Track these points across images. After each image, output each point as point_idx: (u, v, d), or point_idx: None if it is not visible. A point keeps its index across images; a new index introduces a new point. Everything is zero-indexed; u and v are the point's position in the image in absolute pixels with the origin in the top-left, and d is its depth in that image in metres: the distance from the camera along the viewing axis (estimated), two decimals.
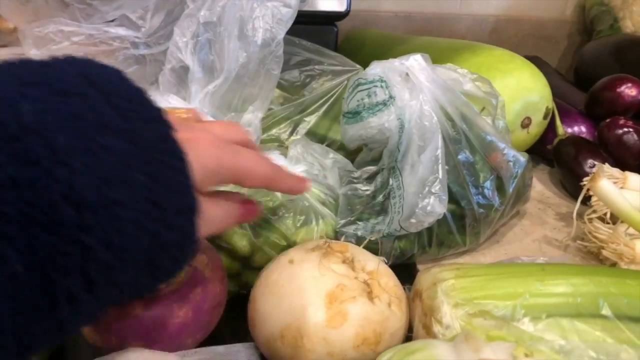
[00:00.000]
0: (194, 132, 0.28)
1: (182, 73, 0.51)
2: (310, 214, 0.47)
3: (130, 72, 0.52)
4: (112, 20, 0.51)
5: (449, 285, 0.35)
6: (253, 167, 0.31)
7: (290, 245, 0.44)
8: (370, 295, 0.36)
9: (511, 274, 0.36)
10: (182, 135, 0.25)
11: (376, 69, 0.48)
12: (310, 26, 0.76)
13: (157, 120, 0.25)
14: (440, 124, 0.47)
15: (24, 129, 0.20)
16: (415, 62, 0.48)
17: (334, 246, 0.38)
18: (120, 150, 0.22)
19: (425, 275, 0.38)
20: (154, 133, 0.24)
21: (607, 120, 0.64)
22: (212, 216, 0.29)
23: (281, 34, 0.51)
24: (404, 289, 0.40)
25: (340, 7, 0.73)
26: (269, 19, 0.51)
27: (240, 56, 0.50)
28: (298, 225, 0.46)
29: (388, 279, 0.38)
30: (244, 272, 0.46)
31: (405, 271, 0.50)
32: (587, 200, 0.54)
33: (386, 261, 0.41)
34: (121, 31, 0.50)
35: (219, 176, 0.29)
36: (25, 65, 0.23)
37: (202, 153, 0.27)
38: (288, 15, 0.51)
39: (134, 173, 0.22)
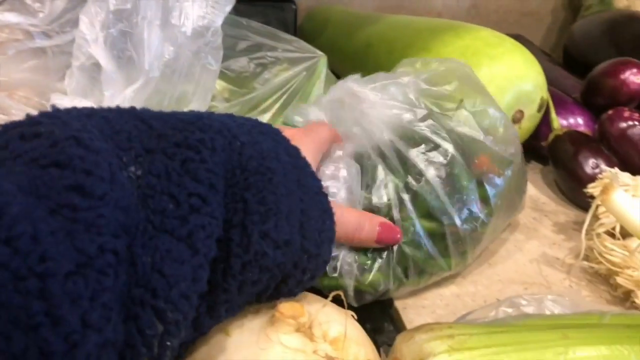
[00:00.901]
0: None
1: (94, 71, 0.40)
2: None
3: (26, 68, 0.41)
4: None
5: None
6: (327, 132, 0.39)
7: None
8: None
9: (523, 346, 0.26)
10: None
11: (294, 115, 0.45)
12: (264, 4, 0.65)
13: (273, 128, 0.32)
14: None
15: (213, 121, 0.28)
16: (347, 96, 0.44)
17: (285, 310, 0.28)
18: (268, 139, 0.30)
19: (408, 344, 0.28)
20: (280, 139, 0.31)
21: (609, 112, 0.55)
22: (344, 219, 0.35)
23: (218, 21, 0.40)
24: (379, 352, 0.31)
25: None
26: (201, 2, 0.40)
27: (166, 51, 0.39)
28: None
29: (359, 348, 0.29)
30: None
31: (380, 311, 0.41)
32: (588, 205, 0.45)
33: (355, 316, 0.31)
34: (11, 17, 0.39)
35: (321, 153, 0.38)
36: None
37: (303, 145, 0.32)
38: None
39: (280, 153, 0.29)
